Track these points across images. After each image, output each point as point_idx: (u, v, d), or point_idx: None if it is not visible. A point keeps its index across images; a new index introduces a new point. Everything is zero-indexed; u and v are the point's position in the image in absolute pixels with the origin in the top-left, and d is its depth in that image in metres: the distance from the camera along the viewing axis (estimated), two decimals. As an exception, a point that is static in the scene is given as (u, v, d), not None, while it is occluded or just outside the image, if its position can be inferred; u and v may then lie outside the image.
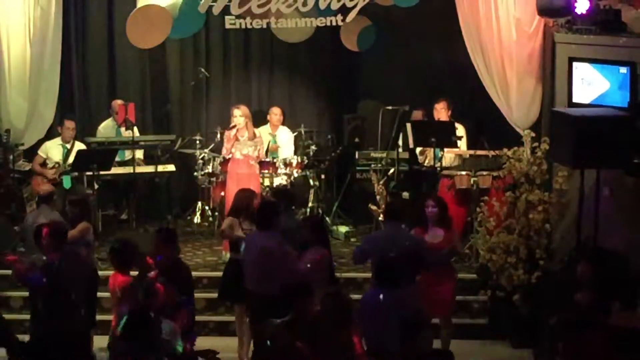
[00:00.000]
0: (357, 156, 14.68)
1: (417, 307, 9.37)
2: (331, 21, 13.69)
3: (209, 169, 14.21)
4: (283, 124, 14.84)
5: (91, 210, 11.95)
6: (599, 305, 8.88)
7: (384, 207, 12.78)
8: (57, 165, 13.69)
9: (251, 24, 13.64)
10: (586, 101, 11.59)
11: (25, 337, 8.84)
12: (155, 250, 10.08)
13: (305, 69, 15.54)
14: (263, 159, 13.80)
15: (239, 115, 13.40)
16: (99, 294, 11.00)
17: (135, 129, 13.91)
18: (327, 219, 14.38)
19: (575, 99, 11.76)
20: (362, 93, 15.64)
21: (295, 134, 14.85)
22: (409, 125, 13.80)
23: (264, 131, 14.24)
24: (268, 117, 14.77)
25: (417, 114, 14.30)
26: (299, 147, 14.78)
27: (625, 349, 7.99)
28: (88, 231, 11.25)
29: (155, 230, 11.15)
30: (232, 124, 13.43)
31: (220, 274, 11.66)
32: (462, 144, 13.66)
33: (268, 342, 8.59)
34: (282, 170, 14.05)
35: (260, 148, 13.65)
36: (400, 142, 14.25)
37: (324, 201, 14.58)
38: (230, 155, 13.55)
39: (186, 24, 13.54)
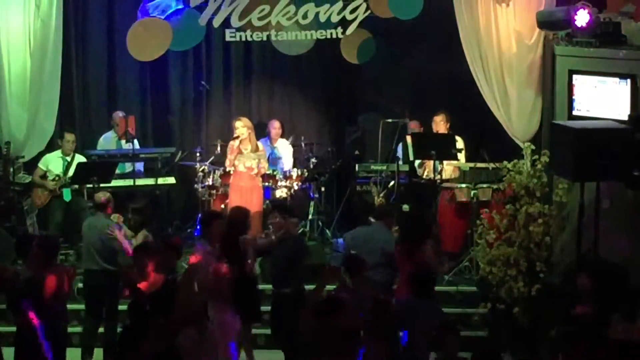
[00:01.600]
0: (357, 168, 14.67)
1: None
2: (331, 34, 13.74)
3: (209, 181, 14.20)
4: (282, 136, 14.85)
5: (151, 219, 12.02)
6: (599, 317, 8.89)
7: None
8: (57, 178, 13.69)
9: (251, 36, 13.71)
10: (586, 114, 11.59)
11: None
12: (160, 259, 10.09)
13: (306, 81, 15.55)
14: (266, 172, 13.79)
15: (241, 126, 13.43)
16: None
17: (136, 141, 13.94)
18: (327, 231, 14.38)
19: (575, 112, 11.77)
20: (362, 105, 15.66)
21: (291, 141, 14.87)
22: (409, 138, 13.80)
23: (263, 144, 14.23)
24: (267, 130, 14.77)
25: (413, 125, 14.33)
26: (299, 160, 14.79)
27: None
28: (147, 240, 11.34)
29: (160, 238, 11.22)
30: (236, 135, 13.44)
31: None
32: (462, 156, 13.66)
33: None
34: (282, 182, 14.05)
35: (263, 161, 13.64)
36: (400, 155, 14.25)
37: (324, 213, 14.57)
38: (232, 168, 13.55)
39: (187, 36, 13.57)
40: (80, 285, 12.24)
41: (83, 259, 11.75)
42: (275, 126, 14.73)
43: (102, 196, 11.76)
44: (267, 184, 13.91)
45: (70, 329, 11.15)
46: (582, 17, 11.56)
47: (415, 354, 9.04)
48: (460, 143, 13.67)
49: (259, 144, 13.77)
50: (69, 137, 13.87)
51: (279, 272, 10.88)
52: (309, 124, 15.62)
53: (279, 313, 10.77)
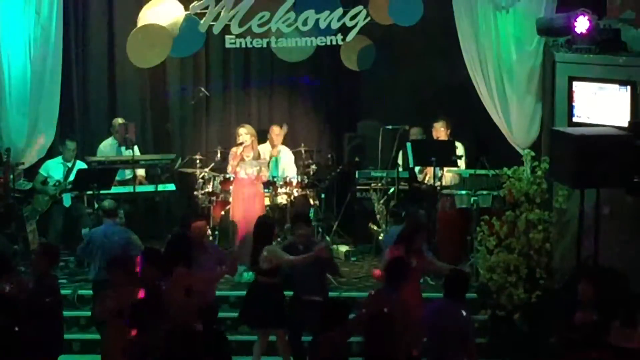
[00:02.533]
0: (357, 175, 14.66)
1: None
2: (331, 40, 13.75)
3: (209, 188, 14.18)
4: (282, 143, 14.84)
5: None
6: (600, 324, 8.89)
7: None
8: (57, 183, 13.69)
9: (251, 43, 13.72)
10: (586, 120, 11.60)
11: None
12: (141, 271, 10.01)
13: (306, 88, 15.55)
14: (266, 179, 13.78)
15: (245, 133, 13.43)
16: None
17: (136, 147, 13.94)
18: (327, 237, 14.36)
19: (575, 119, 11.77)
20: (362, 112, 15.65)
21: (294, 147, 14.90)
22: (409, 145, 13.80)
23: (263, 150, 14.21)
24: (268, 136, 14.76)
25: (414, 132, 14.33)
26: (299, 166, 14.78)
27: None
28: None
29: (142, 250, 11.17)
30: (240, 142, 13.43)
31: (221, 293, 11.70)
32: (462, 163, 13.66)
33: None
34: (282, 189, 14.03)
35: (264, 169, 13.63)
36: (400, 161, 14.26)
37: (324, 220, 14.55)
38: (233, 175, 13.55)
39: (186, 43, 13.57)
40: (80, 292, 12.28)
41: (99, 268, 11.32)
42: (277, 133, 14.73)
43: (111, 203, 11.83)
44: (267, 190, 13.90)
45: (72, 336, 11.21)
46: (582, 24, 11.56)
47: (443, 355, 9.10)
48: (460, 149, 13.68)
49: (261, 151, 13.76)
50: (70, 144, 13.88)
51: (308, 279, 10.87)
52: (309, 131, 15.62)
53: (303, 318, 10.75)
